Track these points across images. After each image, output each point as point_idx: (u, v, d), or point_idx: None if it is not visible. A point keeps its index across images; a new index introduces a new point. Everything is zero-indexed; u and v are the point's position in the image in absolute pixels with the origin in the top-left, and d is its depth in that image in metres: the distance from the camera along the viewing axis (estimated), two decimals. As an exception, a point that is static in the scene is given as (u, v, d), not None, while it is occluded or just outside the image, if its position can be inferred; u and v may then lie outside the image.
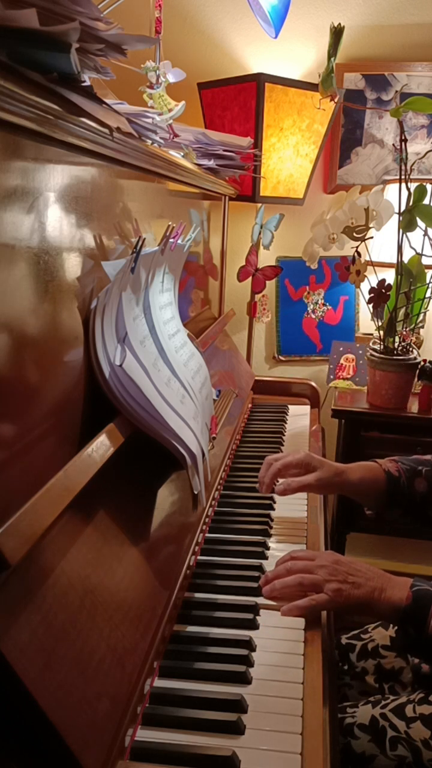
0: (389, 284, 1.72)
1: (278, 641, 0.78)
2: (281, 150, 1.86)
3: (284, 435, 1.51)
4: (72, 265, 0.70)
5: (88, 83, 0.55)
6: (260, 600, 0.85)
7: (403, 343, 1.77)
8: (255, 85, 1.74)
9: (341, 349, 2.05)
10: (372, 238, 1.82)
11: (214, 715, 0.64)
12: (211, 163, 1.36)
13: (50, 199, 0.63)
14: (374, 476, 1.06)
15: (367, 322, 2.13)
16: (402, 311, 1.75)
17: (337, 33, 1.64)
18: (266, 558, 0.96)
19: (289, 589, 0.84)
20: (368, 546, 2.24)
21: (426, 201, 1.64)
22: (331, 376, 2.04)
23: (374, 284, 1.74)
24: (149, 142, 0.89)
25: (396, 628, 0.83)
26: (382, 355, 1.76)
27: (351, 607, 0.83)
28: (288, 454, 1.10)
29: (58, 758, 0.50)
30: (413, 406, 1.83)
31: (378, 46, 1.97)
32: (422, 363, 1.78)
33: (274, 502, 1.14)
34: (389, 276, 1.77)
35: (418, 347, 1.95)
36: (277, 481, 1.08)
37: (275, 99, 1.77)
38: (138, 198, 0.97)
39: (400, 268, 1.73)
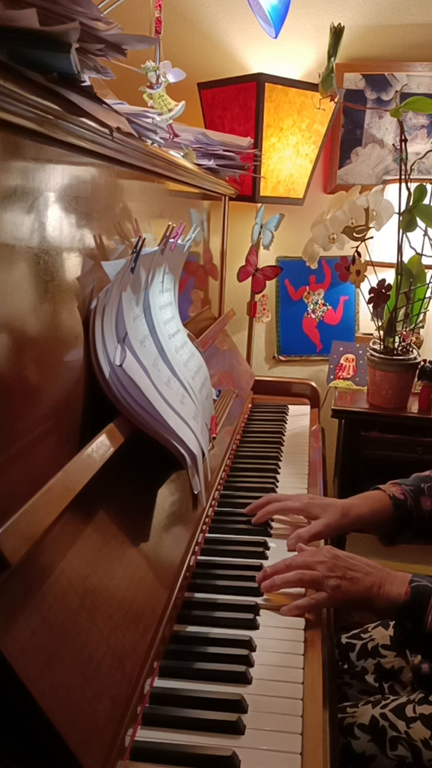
0: (389, 284, 1.72)
1: (278, 641, 0.78)
2: (281, 150, 1.86)
3: (284, 435, 1.51)
4: (72, 265, 0.70)
5: (88, 83, 0.55)
6: (260, 600, 0.85)
7: (403, 343, 1.77)
8: (255, 85, 1.74)
9: (341, 349, 2.05)
10: (372, 238, 1.82)
11: (214, 715, 0.64)
12: (211, 163, 1.37)
13: (50, 199, 0.63)
14: (383, 507, 1.03)
15: (367, 322, 2.13)
16: (402, 311, 1.75)
17: (337, 33, 1.64)
18: (266, 558, 0.96)
19: (290, 585, 0.85)
20: (368, 546, 2.23)
21: (426, 201, 1.64)
22: (331, 376, 2.04)
23: (374, 284, 1.74)
24: (149, 142, 0.89)
25: (394, 623, 0.83)
26: (382, 355, 1.76)
27: (350, 603, 0.83)
28: (288, 498, 1.06)
29: (58, 758, 0.50)
30: (413, 406, 1.83)
31: (378, 46, 1.97)
32: (422, 363, 1.78)
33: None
34: (389, 276, 1.76)
35: (418, 347, 1.95)
36: (271, 526, 1.05)
37: (275, 99, 1.77)
38: (138, 198, 0.97)
39: (400, 268, 1.73)
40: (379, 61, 1.97)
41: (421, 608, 0.79)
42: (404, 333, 1.77)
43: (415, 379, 1.81)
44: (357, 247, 1.77)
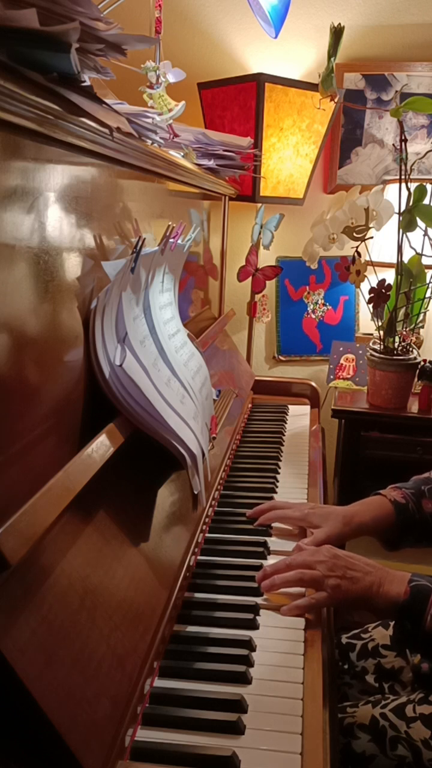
0: (389, 284, 1.72)
1: (278, 641, 0.78)
2: (281, 150, 1.86)
3: (284, 435, 1.51)
4: (72, 265, 0.70)
5: (88, 83, 0.55)
6: (260, 600, 0.85)
7: (403, 343, 1.77)
8: (255, 85, 1.74)
9: (341, 349, 2.05)
10: (372, 238, 1.82)
11: (214, 715, 0.64)
12: (211, 163, 1.37)
13: (50, 199, 0.63)
14: (385, 513, 1.02)
15: (367, 322, 2.13)
16: (402, 311, 1.75)
17: (337, 33, 1.64)
18: (266, 558, 0.96)
19: (290, 585, 0.85)
20: (368, 546, 2.23)
21: (426, 201, 1.64)
22: (331, 376, 2.04)
23: (374, 284, 1.74)
24: (149, 142, 0.89)
25: (394, 623, 0.83)
26: (382, 355, 1.76)
27: (350, 602, 0.83)
28: (290, 507, 1.05)
29: (58, 758, 0.50)
30: (413, 406, 1.83)
31: (378, 46, 1.97)
32: (422, 363, 1.78)
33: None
34: (389, 276, 1.77)
35: (418, 347, 1.95)
36: (271, 527, 1.05)
37: (275, 99, 1.77)
38: (138, 198, 0.97)
39: (400, 268, 1.73)
40: (379, 61, 1.97)
41: (420, 608, 0.79)
42: (404, 333, 1.77)
43: (415, 379, 1.81)
44: (357, 247, 1.77)
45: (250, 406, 1.73)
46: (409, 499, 1.03)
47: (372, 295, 1.74)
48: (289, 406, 1.75)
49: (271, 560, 0.94)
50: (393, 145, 2.03)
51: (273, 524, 1.06)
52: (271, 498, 1.14)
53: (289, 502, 1.09)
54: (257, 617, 0.81)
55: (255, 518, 1.06)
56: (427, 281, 1.77)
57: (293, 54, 1.98)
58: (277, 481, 1.24)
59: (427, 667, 0.97)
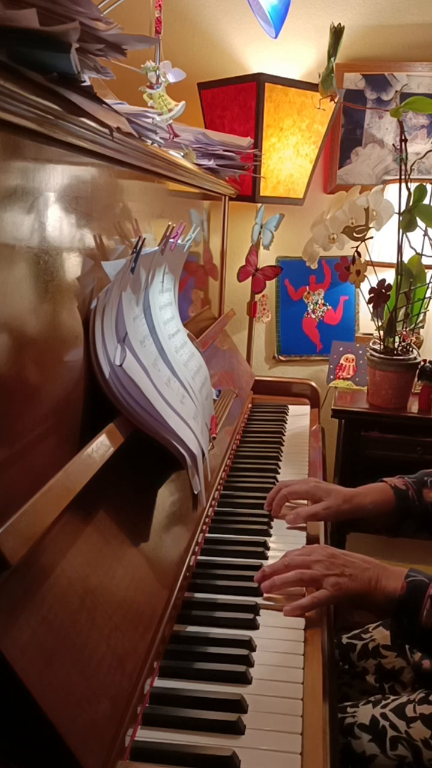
0: (389, 284, 1.72)
1: (278, 641, 0.78)
2: (281, 150, 1.86)
3: (284, 435, 1.51)
4: (72, 265, 0.70)
5: (88, 83, 0.55)
6: (260, 600, 0.85)
7: (403, 343, 1.77)
8: (255, 85, 1.74)
9: (341, 349, 2.05)
10: (372, 238, 1.82)
11: (214, 715, 0.64)
12: (211, 163, 1.37)
13: (50, 199, 0.63)
14: (386, 498, 1.04)
15: (367, 322, 2.13)
16: (402, 311, 1.75)
17: (337, 33, 1.64)
18: (266, 558, 0.96)
19: (290, 585, 0.85)
20: (368, 546, 2.23)
21: (426, 201, 1.64)
22: (331, 376, 2.04)
23: (374, 284, 1.74)
24: (149, 142, 0.89)
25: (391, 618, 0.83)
26: (382, 355, 1.76)
27: (350, 599, 0.83)
28: (296, 482, 1.10)
29: (58, 758, 0.50)
30: (413, 406, 1.83)
31: (378, 46, 1.97)
32: (422, 363, 1.78)
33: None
34: (389, 276, 1.76)
35: (418, 347, 1.95)
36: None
37: (275, 99, 1.77)
38: (138, 198, 0.97)
39: (400, 268, 1.73)
40: (379, 61, 1.97)
41: (416, 603, 0.79)
42: (404, 333, 1.77)
43: (415, 379, 1.81)
44: (357, 247, 1.77)
45: (250, 406, 1.73)
46: (410, 486, 1.06)
47: (372, 295, 1.74)
48: (289, 406, 1.75)
49: (271, 560, 0.94)
50: (393, 145, 2.03)
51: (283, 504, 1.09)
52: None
53: (293, 479, 1.12)
54: (257, 617, 0.81)
55: (269, 512, 1.10)
56: (427, 281, 1.77)
57: (293, 54, 1.98)
58: (277, 481, 1.24)
59: (429, 665, 0.97)
